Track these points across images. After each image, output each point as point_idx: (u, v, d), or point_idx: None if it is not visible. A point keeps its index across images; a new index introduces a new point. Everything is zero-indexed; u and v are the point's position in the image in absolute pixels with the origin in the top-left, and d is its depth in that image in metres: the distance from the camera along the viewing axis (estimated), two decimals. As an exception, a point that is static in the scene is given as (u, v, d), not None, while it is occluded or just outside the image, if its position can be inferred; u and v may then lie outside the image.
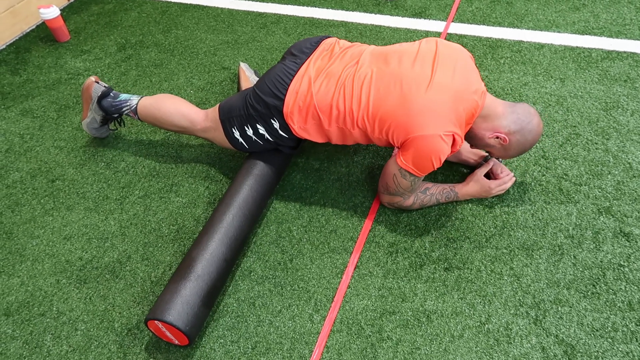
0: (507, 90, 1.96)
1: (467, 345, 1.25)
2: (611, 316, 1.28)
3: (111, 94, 1.75)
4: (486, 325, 1.28)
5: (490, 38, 2.24)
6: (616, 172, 1.62)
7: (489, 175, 1.60)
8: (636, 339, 1.23)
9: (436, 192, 1.55)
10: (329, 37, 1.60)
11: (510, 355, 1.23)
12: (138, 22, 2.56)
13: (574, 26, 2.26)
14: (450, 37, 2.26)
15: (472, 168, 1.67)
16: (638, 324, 1.26)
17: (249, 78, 1.94)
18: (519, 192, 1.59)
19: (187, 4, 2.68)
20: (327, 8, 2.55)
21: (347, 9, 2.53)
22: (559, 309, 1.30)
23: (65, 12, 2.66)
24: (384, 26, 2.38)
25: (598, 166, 1.64)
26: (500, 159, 1.61)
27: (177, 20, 2.55)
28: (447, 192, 1.56)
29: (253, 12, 2.57)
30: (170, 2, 2.71)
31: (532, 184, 1.61)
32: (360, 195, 1.63)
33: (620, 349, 1.22)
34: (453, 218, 1.54)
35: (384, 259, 1.45)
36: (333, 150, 1.78)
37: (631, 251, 1.41)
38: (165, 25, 2.51)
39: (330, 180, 1.68)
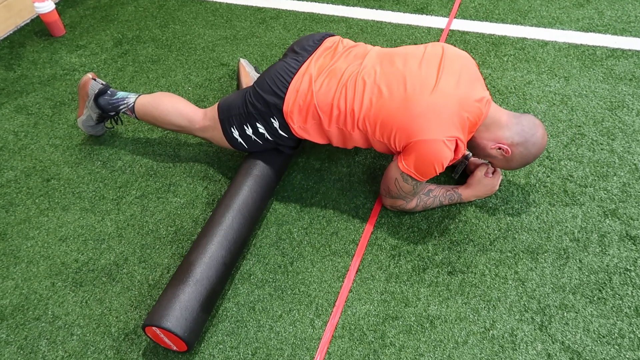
0: (511, 88, 1.93)
1: (472, 351, 1.23)
2: (618, 322, 1.25)
3: (108, 91, 1.71)
4: (491, 331, 1.26)
5: (493, 35, 2.20)
6: (622, 174, 1.59)
7: (466, 171, 1.59)
8: (643, 346, 1.22)
9: (439, 194, 1.52)
10: (332, 35, 1.56)
11: (515, 362, 1.21)
12: (135, 16, 2.51)
13: (578, 23, 2.23)
14: (452, 34, 2.22)
15: (453, 166, 1.63)
16: (645, 330, 1.24)
17: (249, 74, 1.91)
18: (523, 194, 1.56)
19: (184, -2, 2.63)
20: (328, 3, 2.51)
21: (348, 4, 2.49)
22: (565, 314, 1.28)
23: (61, 5, 2.61)
24: (385, 22, 2.34)
25: (603, 167, 1.61)
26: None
27: (174, 14, 2.51)
28: (450, 194, 1.53)
29: (252, 6, 2.53)
30: (168, -4, 2.66)
31: (537, 185, 1.58)
32: (362, 197, 1.60)
33: (627, 356, 1.20)
34: (456, 220, 1.51)
35: (386, 262, 1.42)
36: (334, 150, 1.75)
37: (637, 255, 1.39)
38: (163, 20, 2.47)
39: (332, 180, 1.65)
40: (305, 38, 1.55)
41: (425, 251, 1.44)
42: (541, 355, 1.21)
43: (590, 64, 2.00)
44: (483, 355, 1.22)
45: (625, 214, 1.48)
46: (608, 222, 1.47)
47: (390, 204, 1.51)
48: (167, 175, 1.71)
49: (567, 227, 1.47)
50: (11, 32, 2.44)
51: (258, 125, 1.48)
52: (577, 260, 1.38)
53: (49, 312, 1.37)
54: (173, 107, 1.63)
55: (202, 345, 1.28)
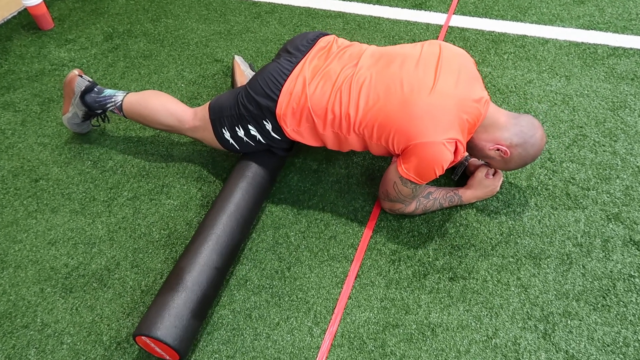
0: (512, 87, 1.89)
1: (474, 361, 1.20)
2: (622, 330, 1.23)
3: (95, 89, 1.66)
4: (493, 340, 1.23)
5: (493, 32, 2.16)
6: (624, 176, 1.56)
7: (466, 173, 1.57)
8: (648, 355, 1.19)
9: (439, 196, 1.49)
10: (326, 34, 1.52)
11: (519, 372, 1.18)
12: (126, 9, 2.44)
13: (579, 20, 2.19)
14: (452, 30, 2.18)
15: (452, 168, 1.60)
16: (649, 338, 1.22)
17: (244, 72, 1.85)
18: (525, 196, 1.53)
19: (177, -9, 2.56)
20: (324, -3, 2.46)
21: (345, -1, 2.44)
22: (569, 322, 1.25)
23: (49, -3, 2.53)
24: (383, 17, 2.29)
25: (606, 170, 1.59)
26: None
27: (166, 8, 2.44)
28: (450, 197, 1.50)
29: (246, 0, 2.47)
30: (160, -12, 2.59)
31: (539, 188, 1.55)
32: (360, 199, 1.56)
33: (631, 365, 1.18)
34: (457, 224, 1.48)
35: (386, 268, 1.39)
36: (332, 151, 1.71)
37: (641, 260, 1.36)
38: (155, 14, 2.40)
39: (329, 182, 1.61)
40: (298, 37, 1.50)
41: (426, 256, 1.41)
42: (545, 365, 1.19)
43: (592, 62, 1.97)
44: (486, 364, 1.19)
45: (628, 218, 1.46)
46: (611, 226, 1.44)
47: (389, 207, 1.48)
48: (160, 176, 1.66)
49: (569, 231, 1.44)
50: (-3, 25, 2.37)
51: (250, 127, 1.43)
52: (581, 266, 1.36)
53: (38, 320, 1.33)
54: (162, 106, 1.58)
55: (197, 354, 1.24)
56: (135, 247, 1.47)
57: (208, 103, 1.52)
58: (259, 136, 1.45)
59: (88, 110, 1.67)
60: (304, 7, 2.39)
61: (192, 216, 1.54)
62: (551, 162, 1.62)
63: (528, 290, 1.32)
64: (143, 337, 1.17)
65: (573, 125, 1.73)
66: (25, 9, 2.42)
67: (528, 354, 1.20)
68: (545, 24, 2.18)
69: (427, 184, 1.54)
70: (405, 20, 2.26)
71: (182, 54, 2.14)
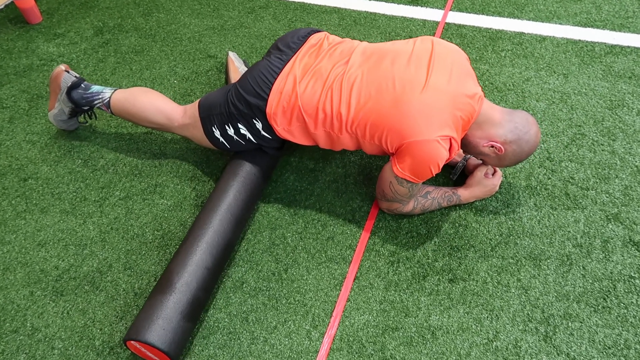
0: (509, 85, 1.87)
1: (475, 364, 1.18)
2: (623, 332, 1.22)
3: (82, 85, 1.61)
4: (494, 343, 1.22)
5: (490, 29, 2.14)
6: (623, 176, 1.56)
7: (465, 172, 1.55)
8: (649, 357, 1.19)
9: (438, 195, 1.47)
10: (318, 30, 1.49)
11: (520, 375, 1.17)
12: (116, 3, 2.38)
13: (576, 18, 2.18)
14: (448, 27, 2.16)
15: (451, 167, 1.59)
16: (650, 340, 1.21)
17: (238, 69, 1.82)
18: (524, 196, 1.52)
19: (169, -15, 2.51)
20: (319, -8, 2.42)
21: (340, -6, 2.40)
22: (570, 324, 1.24)
23: (36, -10, 2.47)
24: (379, 14, 2.26)
25: (605, 169, 1.58)
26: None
27: (158, 2, 2.39)
28: (449, 196, 1.48)
29: (240, -5, 2.42)
30: (151, -18, 2.54)
31: (538, 187, 1.54)
32: (358, 199, 1.53)
33: (633, 368, 1.17)
34: (456, 225, 1.46)
35: (384, 269, 1.37)
36: (329, 149, 1.68)
37: (641, 261, 1.36)
38: (146, 8, 2.35)
39: (326, 181, 1.58)
40: (289, 34, 1.47)
41: (425, 257, 1.39)
42: (546, 368, 1.17)
43: (589, 60, 1.96)
44: (486, 368, 1.18)
45: (628, 218, 1.45)
46: (611, 226, 1.43)
47: (386, 207, 1.46)
48: (153, 175, 1.62)
49: (569, 232, 1.43)
50: (-17, 18, 2.30)
51: (240, 126, 1.40)
52: (581, 267, 1.35)
53: (28, 324, 1.29)
54: (151, 103, 1.55)
55: (193, 359, 1.22)
56: (128, 249, 1.43)
57: (198, 101, 1.49)
58: (249, 135, 1.42)
59: (74, 106, 1.63)
60: (298, 2, 2.35)
61: (186, 216, 1.50)
62: (550, 161, 1.61)
63: (528, 291, 1.31)
64: (133, 342, 1.15)
65: (571, 124, 1.72)
66: (13, 2, 2.36)
67: (529, 357, 1.19)
68: (543, 21, 2.17)
69: (425, 183, 1.53)
70: (402, 17, 2.24)
71: (175, 50, 2.10)
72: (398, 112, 1.23)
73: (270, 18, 2.26)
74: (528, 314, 1.26)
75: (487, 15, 2.22)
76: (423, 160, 1.24)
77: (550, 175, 1.57)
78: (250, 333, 1.26)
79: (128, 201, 1.55)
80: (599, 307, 1.27)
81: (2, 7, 2.37)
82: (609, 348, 1.20)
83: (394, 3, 2.32)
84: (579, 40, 2.06)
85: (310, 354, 1.21)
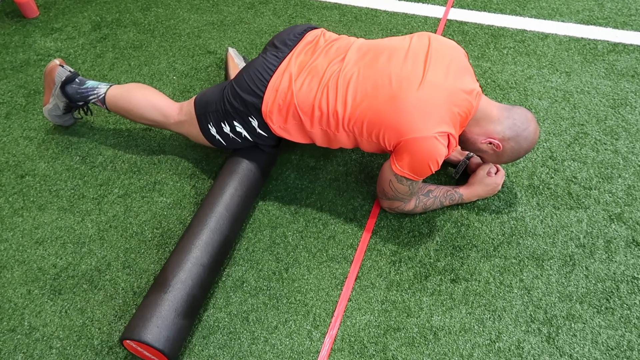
0: (512, 83, 1.86)
1: (477, 365, 1.18)
2: (626, 334, 1.21)
3: (77, 79, 1.59)
4: (497, 344, 1.21)
5: (492, 26, 2.12)
6: (626, 176, 1.55)
7: (467, 171, 1.54)
8: (652, 358, 1.18)
9: (440, 194, 1.45)
10: (315, 27, 1.47)
11: (523, 377, 1.16)
12: (114, -3, 2.35)
13: (578, 15, 2.16)
14: (450, 24, 2.14)
15: (453, 166, 1.58)
16: (653, 341, 1.21)
17: (237, 66, 1.80)
18: (526, 196, 1.50)
19: (167, -21, 2.48)
20: (320, -12, 2.39)
21: (341, -10, 2.38)
22: (572, 325, 1.23)
23: (33, -16, 2.43)
24: (380, 10, 2.24)
25: (608, 169, 1.57)
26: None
27: (157, -3, 2.36)
28: (451, 195, 1.46)
29: (240, -10, 2.39)
30: (150, -24, 2.50)
31: (541, 187, 1.52)
32: (359, 198, 1.52)
33: (636, 369, 1.16)
34: (459, 224, 1.45)
35: (386, 269, 1.35)
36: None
37: (644, 262, 1.35)
38: (145, 2, 2.32)
39: (327, 180, 1.57)
40: (286, 31, 1.45)
41: (427, 257, 1.38)
42: (549, 369, 1.17)
43: (592, 58, 1.95)
44: (489, 369, 1.17)
45: (631, 218, 1.44)
46: (614, 227, 1.42)
47: (387, 205, 1.44)
48: (152, 173, 1.60)
49: (572, 232, 1.42)
50: (-21, 12, 2.27)
51: (236, 123, 1.39)
52: (584, 268, 1.34)
53: (25, 323, 1.27)
54: (146, 100, 1.53)
55: (192, 359, 1.20)
56: (127, 247, 1.42)
57: (194, 98, 1.47)
58: (244, 132, 1.40)
59: (69, 101, 1.61)
60: (299, -2, 2.32)
61: (185, 214, 1.49)
62: (553, 160, 1.60)
63: (531, 292, 1.30)
64: (129, 341, 1.14)
65: (574, 123, 1.71)
66: (9, -4, 2.33)
67: (532, 358, 1.18)
68: (545, 19, 2.15)
69: (427, 180, 1.52)
70: (403, 13, 2.22)
71: (174, 45, 2.08)
72: (395, 109, 1.22)
73: (270, 14, 2.23)
74: (531, 315, 1.25)
75: (489, 12, 2.20)
76: (421, 158, 1.22)
77: (552, 175, 1.56)
78: (251, 333, 1.24)
79: (127, 199, 1.53)
80: (602, 308, 1.26)
81: (-1, 0, 2.34)
82: (612, 349, 1.19)
83: (396, -1, 2.31)
84: (582, 38, 2.05)
85: (312, 355, 1.20)
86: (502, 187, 1.52)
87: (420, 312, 1.27)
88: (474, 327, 1.24)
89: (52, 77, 1.59)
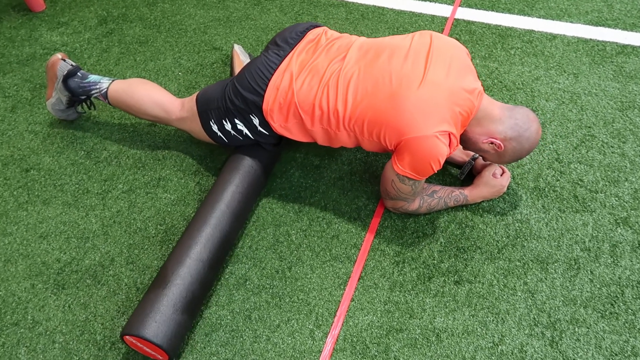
0: (518, 84, 1.85)
1: (480, 368, 1.17)
2: (630, 339, 1.21)
3: (78, 73, 1.60)
4: (499, 347, 1.20)
5: (500, 26, 2.11)
6: (633, 179, 1.53)
7: (472, 172, 1.53)
8: (656, 364, 1.17)
9: (444, 195, 1.45)
10: (317, 25, 1.47)
11: (525, 380, 1.16)
12: (121, -8, 2.35)
13: (587, 16, 2.14)
14: (457, 23, 2.12)
15: (458, 166, 1.57)
16: (657, 347, 1.20)
17: (243, 62, 1.79)
18: (532, 198, 1.50)
19: (174, -26, 2.47)
20: (327, -15, 2.38)
21: (348, -13, 2.37)
22: (576, 329, 1.23)
23: (40, -23, 2.43)
24: (387, 8, 2.23)
25: (614, 172, 1.55)
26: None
27: (163, -8, 2.35)
28: (456, 196, 1.46)
29: (246, -14, 2.39)
30: (156, -29, 2.50)
31: (546, 189, 1.52)
32: (364, 197, 1.51)
33: (639, 375, 1.16)
34: (463, 225, 1.44)
35: (389, 270, 1.35)
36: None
37: (649, 267, 1.34)
38: (151, -3, 2.31)
39: (332, 179, 1.56)
40: (288, 29, 1.45)
41: (431, 258, 1.37)
42: (551, 373, 1.16)
43: (600, 60, 1.93)
44: (491, 372, 1.17)
45: (637, 222, 1.43)
46: (620, 230, 1.41)
47: (391, 205, 1.44)
48: (157, 169, 1.60)
49: (577, 235, 1.41)
50: (-14, 5, 2.27)
51: (237, 121, 1.39)
52: (589, 272, 1.33)
53: (29, 317, 1.28)
54: (148, 95, 1.53)
55: (195, 356, 1.21)
56: (131, 243, 1.42)
57: (196, 94, 1.47)
58: (246, 130, 1.40)
59: (72, 95, 1.61)
60: (306, -5, 2.31)
61: (189, 211, 1.49)
62: (559, 162, 1.59)
63: (535, 295, 1.29)
64: (128, 337, 1.14)
65: (581, 125, 1.70)
66: (16, -11, 2.33)
67: (535, 362, 1.18)
68: (553, 19, 2.13)
69: (432, 181, 1.51)
70: (410, 12, 2.20)
71: (180, 41, 2.07)
72: (395, 108, 1.22)
73: (276, 10, 2.22)
74: (534, 318, 1.25)
75: (496, 11, 2.18)
76: (423, 157, 1.22)
77: (558, 177, 1.55)
78: (253, 331, 1.24)
79: (131, 194, 1.53)
80: (607, 313, 1.25)
81: (6, -7, 2.34)
82: (616, 355, 1.18)
83: (403, -3, 2.29)
84: (590, 39, 2.03)
85: (314, 354, 1.20)
86: (508, 188, 1.51)
87: (423, 314, 1.26)
88: (477, 329, 1.24)
89: (54, 71, 1.59)
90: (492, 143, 1.30)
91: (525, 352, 1.19)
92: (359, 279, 1.33)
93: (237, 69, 1.77)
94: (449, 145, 1.24)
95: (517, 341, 1.21)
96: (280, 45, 1.41)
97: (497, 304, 1.28)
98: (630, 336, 1.21)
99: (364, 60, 1.31)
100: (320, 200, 1.51)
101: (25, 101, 1.83)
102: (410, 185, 1.31)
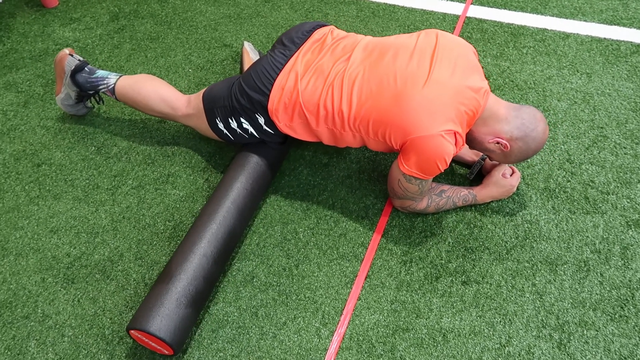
0: (530, 84, 1.83)
1: (486, 369, 1.17)
2: (640, 343, 1.20)
3: (86, 68, 1.61)
4: (506, 348, 1.20)
5: (512, 24, 2.09)
6: (646, 181, 1.51)
7: (482, 172, 1.52)
8: (666, 369, 1.16)
9: (453, 194, 1.44)
10: (324, 24, 1.46)
11: (532, 382, 1.15)
12: (133, -12, 2.36)
13: (602, 15, 2.11)
14: (469, 21, 2.11)
15: (467, 166, 1.56)
16: (668, 351, 1.18)
17: (252, 60, 1.79)
18: (542, 199, 1.48)
19: (186, -29, 2.48)
20: (338, -18, 2.37)
21: (359, -15, 2.36)
22: (585, 332, 1.22)
23: (54, -26, 2.45)
24: (398, 6, 2.22)
25: (627, 173, 1.53)
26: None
27: (175, -12, 2.36)
28: (464, 195, 1.45)
29: (257, -17, 2.39)
30: (168, -33, 2.51)
31: (557, 190, 1.50)
32: (371, 196, 1.51)
33: (649, 379, 1.14)
34: (471, 226, 1.43)
35: (397, 269, 1.35)
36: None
37: (661, 270, 1.32)
38: (162, -6, 2.32)
39: (340, 177, 1.56)
40: (294, 29, 1.45)
41: (438, 258, 1.36)
42: (559, 376, 1.15)
43: (614, 60, 1.91)
44: (498, 373, 1.16)
45: (649, 225, 1.41)
46: (631, 233, 1.40)
47: (399, 204, 1.43)
48: (166, 165, 1.61)
49: (587, 237, 1.39)
50: (0, 1, 2.30)
51: (242, 120, 1.39)
52: (598, 274, 1.32)
53: (39, 310, 1.30)
54: (155, 92, 1.54)
55: (201, 352, 1.21)
56: (140, 239, 1.43)
57: (202, 91, 1.48)
58: (251, 129, 1.41)
59: (80, 90, 1.62)
60: (316, -8, 2.31)
61: (197, 208, 1.49)
62: (570, 163, 1.57)
63: (543, 297, 1.28)
64: (133, 331, 1.15)
65: (593, 126, 1.68)
66: (30, -15, 2.35)
67: (542, 364, 1.17)
68: (567, 18, 2.11)
69: (440, 180, 1.51)
70: (422, 10, 2.19)
71: (190, 38, 2.08)
72: (400, 108, 1.21)
73: (287, 7, 2.22)
74: (542, 320, 1.24)
75: (509, 10, 2.16)
76: (429, 156, 1.21)
77: (569, 178, 1.53)
78: (260, 328, 1.25)
79: (140, 190, 1.54)
80: (616, 316, 1.24)
81: (19, -11, 2.36)
82: (625, 358, 1.17)
83: (414, -5, 2.28)
84: (604, 38, 2.00)
85: (319, 352, 1.20)
86: (517, 189, 1.50)
87: (429, 313, 1.26)
88: (484, 330, 1.23)
89: (62, 66, 1.61)
90: (498, 143, 1.29)
91: (533, 354, 1.19)
92: (366, 277, 1.33)
93: (246, 67, 1.78)
94: (455, 144, 1.23)
95: (524, 343, 1.20)
96: (287, 44, 1.41)
97: (505, 305, 1.27)
98: (639, 340, 1.20)
99: (368, 60, 1.30)
100: (328, 198, 1.51)
101: (38, 96, 1.85)
102: (417, 185, 1.31)
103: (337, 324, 1.25)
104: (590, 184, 1.52)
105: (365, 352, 1.20)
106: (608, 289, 1.29)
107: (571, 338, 1.21)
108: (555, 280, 1.31)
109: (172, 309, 1.14)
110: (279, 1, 2.26)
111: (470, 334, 1.22)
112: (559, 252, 1.36)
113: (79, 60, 1.61)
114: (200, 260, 1.23)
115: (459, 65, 1.25)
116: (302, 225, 1.45)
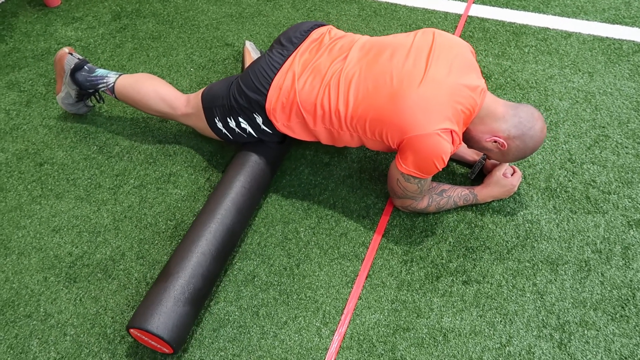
0: (532, 83, 1.82)
1: (487, 369, 1.17)
2: (641, 343, 1.19)
3: (85, 67, 1.62)
4: (507, 348, 1.20)
5: (514, 23, 2.08)
6: (647, 181, 1.51)
7: (483, 171, 1.52)
8: (666, 369, 1.16)
9: (454, 194, 1.44)
10: (322, 24, 1.47)
11: (532, 382, 1.15)
12: (134, -12, 2.36)
13: (604, 14, 2.11)
14: (471, 20, 2.10)
15: (468, 166, 1.56)
16: (668, 352, 1.18)
17: (254, 59, 1.79)
18: (543, 198, 1.48)
19: (187, -30, 2.48)
20: (339, -19, 2.37)
21: (361, -16, 2.35)
22: (585, 332, 1.22)
23: (56, -27, 2.45)
24: (400, 5, 2.21)
25: (628, 173, 1.53)
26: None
27: (176, -13, 2.36)
28: (465, 195, 1.45)
29: (259, -18, 2.39)
30: (170, -34, 2.51)
31: (558, 190, 1.50)
32: (372, 196, 1.51)
33: (649, 379, 1.14)
34: (472, 225, 1.43)
35: (397, 268, 1.35)
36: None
37: (662, 270, 1.32)
38: (164, -7, 2.33)
39: (341, 176, 1.56)
40: (292, 28, 1.45)
41: (439, 257, 1.37)
42: (559, 376, 1.15)
43: (616, 59, 1.90)
44: (498, 373, 1.16)
45: (650, 225, 1.41)
46: (632, 233, 1.39)
47: (400, 204, 1.44)
48: (167, 164, 1.62)
49: (589, 237, 1.39)
50: (3, 0, 2.30)
51: (241, 119, 1.40)
52: (599, 274, 1.32)
53: (41, 309, 1.30)
54: (154, 91, 1.55)
55: (202, 351, 1.22)
56: (141, 238, 1.43)
57: (201, 91, 1.49)
58: (249, 129, 1.41)
59: (80, 89, 1.63)
60: (318, -9, 2.30)
61: (198, 207, 1.50)
62: (571, 163, 1.57)
63: (544, 297, 1.28)
64: (133, 330, 1.16)
65: (595, 125, 1.67)
66: (32, -16, 2.35)
67: (542, 364, 1.17)
68: (569, 17, 2.10)
69: (441, 180, 1.51)
70: (423, 9, 2.19)
71: (192, 37, 2.08)
72: (396, 107, 1.21)
73: (289, 7, 2.22)
74: (543, 320, 1.24)
75: (511, 9, 2.16)
76: (426, 155, 1.22)
77: (571, 178, 1.53)
78: (261, 327, 1.25)
79: (142, 190, 1.55)
80: (617, 316, 1.24)
81: (22, -11, 2.37)
82: (626, 358, 1.17)
83: (416, -6, 2.27)
84: (606, 37, 2.00)
85: (320, 352, 1.21)
86: (518, 188, 1.50)
87: (430, 313, 1.26)
88: (484, 330, 1.23)
89: (62, 65, 1.62)
90: (495, 141, 1.29)
91: (533, 353, 1.19)
92: (367, 277, 1.34)
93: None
94: (452, 143, 1.23)
95: (524, 342, 1.21)
96: (284, 44, 1.41)
97: (506, 304, 1.27)
98: (640, 340, 1.20)
99: (365, 60, 1.30)
100: (329, 198, 1.51)
101: (40, 96, 1.85)
102: (416, 184, 1.31)
103: (338, 323, 1.25)
104: (592, 183, 1.51)
105: (366, 352, 1.20)
106: (609, 288, 1.29)
107: (572, 338, 1.21)
108: (556, 280, 1.31)
109: (171, 307, 1.15)
110: (280, 0, 2.26)
111: (470, 334, 1.22)
112: (560, 251, 1.36)
113: (78, 58, 1.61)
114: (198, 259, 1.23)
115: (456, 64, 1.26)
116: (303, 225, 1.45)
